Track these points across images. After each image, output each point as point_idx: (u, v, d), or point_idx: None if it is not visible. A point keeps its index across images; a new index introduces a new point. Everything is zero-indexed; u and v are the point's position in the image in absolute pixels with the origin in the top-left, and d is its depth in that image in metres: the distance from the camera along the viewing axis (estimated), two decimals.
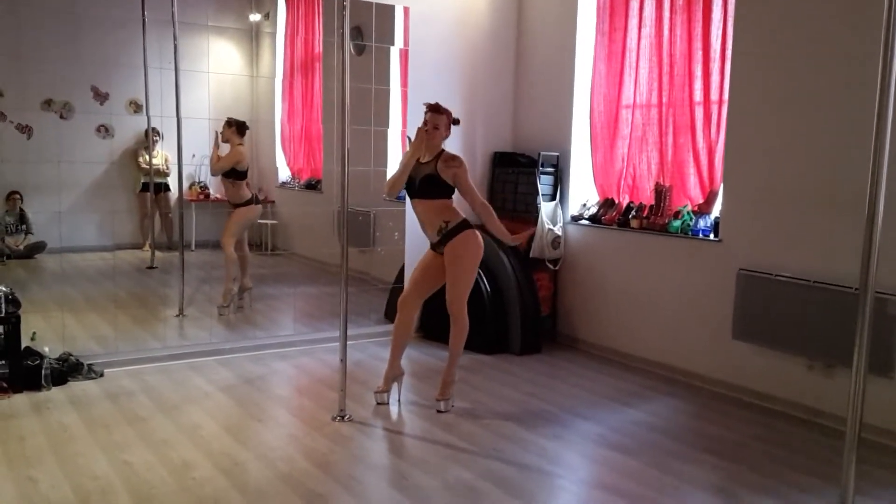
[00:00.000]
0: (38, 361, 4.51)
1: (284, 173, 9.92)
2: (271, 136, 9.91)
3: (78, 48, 8.12)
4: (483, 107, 6.23)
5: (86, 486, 3.24)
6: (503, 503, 3.22)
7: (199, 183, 9.33)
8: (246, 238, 6.92)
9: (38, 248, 8.50)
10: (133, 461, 3.51)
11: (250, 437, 3.89)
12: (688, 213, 5.18)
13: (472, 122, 6.17)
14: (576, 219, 5.95)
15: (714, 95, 5.00)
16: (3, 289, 4.56)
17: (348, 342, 4.27)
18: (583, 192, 6.02)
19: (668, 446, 3.93)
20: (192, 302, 6.62)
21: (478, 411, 4.38)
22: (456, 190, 4.28)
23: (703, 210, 5.15)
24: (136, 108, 9.03)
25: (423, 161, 4.25)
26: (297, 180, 9.56)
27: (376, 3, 6.04)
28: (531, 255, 5.86)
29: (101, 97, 8.99)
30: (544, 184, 5.90)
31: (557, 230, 5.87)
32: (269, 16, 9.86)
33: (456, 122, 4.34)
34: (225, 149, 6.74)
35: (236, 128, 6.49)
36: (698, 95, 5.11)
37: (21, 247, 8.51)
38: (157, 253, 8.34)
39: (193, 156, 8.00)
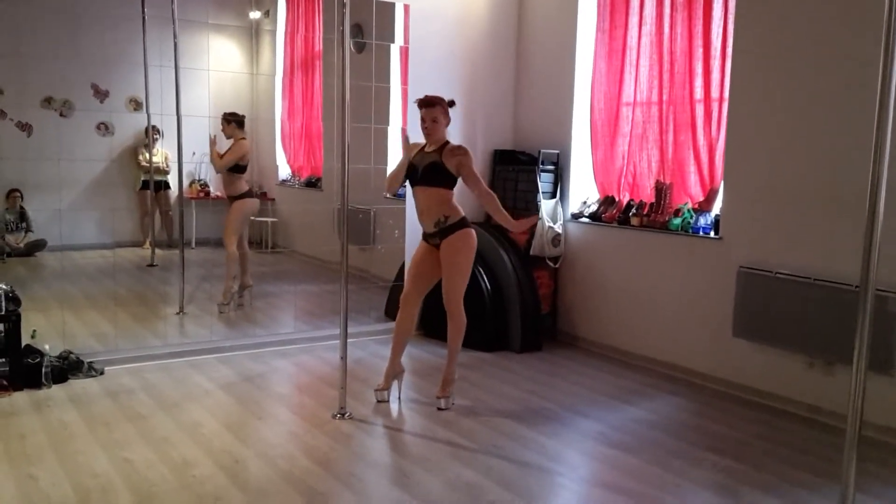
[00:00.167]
0: (38, 359, 4.51)
1: (285, 171, 9.92)
2: (271, 134, 9.91)
3: (78, 46, 8.12)
4: (483, 104, 6.23)
5: (86, 483, 3.25)
6: (503, 500, 3.22)
7: (200, 181, 9.33)
8: (246, 235, 6.91)
9: (39, 245, 8.51)
10: (133, 459, 3.51)
11: (251, 435, 3.89)
12: (688, 210, 5.17)
13: (473, 120, 6.17)
14: (576, 216, 5.95)
15: (715, 93, 5.00)
16: (4, 286, 4.56)
17: (348, 340, 4.28)
18: (583, 190, 6.02)
19: (669, 444, 3.93)
20: (192, 300, 6.63)
21: (478, 409, 4.38)
22: (459, 181, 4.25)
23: (703, 208, 5.14)
24: (136, 105, 9.04)
25: (428, 150, 4.25)
26: (298, 178, 9.56)
27: (376, 1, 6.05)
28: (531, 252, 5.86)
29: (101, 95, 8.99)
30: (544, 181, 5.90)
31: (558, 228, 5.87)
32: (270, 13, 9.86)
33: (451, 104, 4.30)
34: (225, 145, 6.73)
35: (236, 123, 6.48)
36: (699, 93, 5.10)
37: (21, 245, 8.51)
38: (158, 251, 8.34)
39: (194, 153, 8.01)
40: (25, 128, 8.64)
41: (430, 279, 4.39)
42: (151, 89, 7.29)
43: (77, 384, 4.57)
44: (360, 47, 7.21)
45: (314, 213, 8.31)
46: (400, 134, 6.68)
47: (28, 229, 8.62)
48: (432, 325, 5.78)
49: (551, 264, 5.98)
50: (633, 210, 5.54)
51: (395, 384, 4.50)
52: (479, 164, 6.22)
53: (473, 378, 4.93)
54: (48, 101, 8.70)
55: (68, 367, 4.65)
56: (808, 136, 4.37)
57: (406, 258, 5.99)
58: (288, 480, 3.35)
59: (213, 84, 6.67)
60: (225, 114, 6.48)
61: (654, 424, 4.23)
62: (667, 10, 5.25)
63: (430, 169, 4.19)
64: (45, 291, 6.74)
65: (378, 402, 4.41)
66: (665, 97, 5.34)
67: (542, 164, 5.90)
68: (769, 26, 4.54)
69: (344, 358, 4.20)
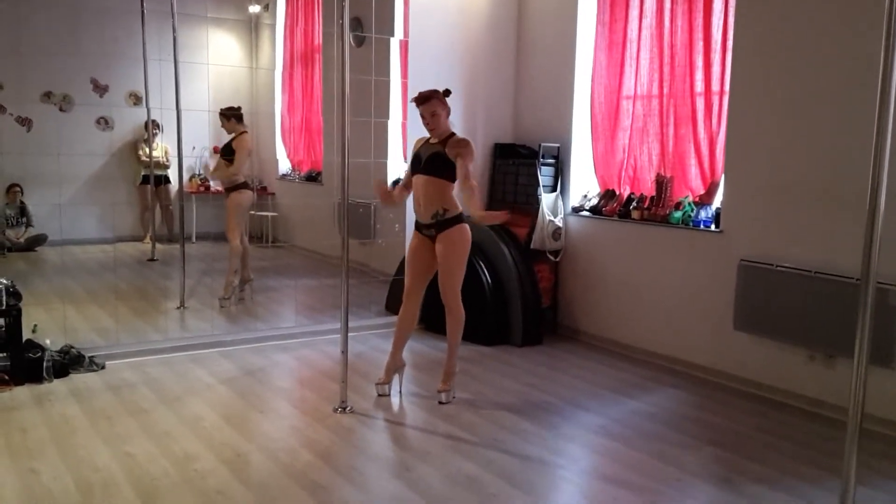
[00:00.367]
0: (39, 354, 4.52)
1: (285, 165, 9.92)
2: (271, 128, 9.91)
3: (77, 40, 8.12)
4: (483, 98, 6.22)
5: (88, 477, 3.25)
6: (505, 494, 3.23)
7: (200, 175, 9.33)
8: (246, 229, 6.91)
9: (39, 240, 8.52)
10: (135, 453, 3.52)
11: (252, 429, 3.90)
12: (689, 204, 5.17)
13: (473, 114, 6.16)
14: (577, 210, 5.95)
15: (715, 86, 4.99)
16: (4, 281, 4.56)
17: (349, 334, 4.28)
18: (584, 184, 6.02)
19: (670, 437, 3.93)
20: (193, 294, 6.63)
21: (479, 402, 4.39)
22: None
23: (704, 201, 5.14)
24: (136, 100, 9.04)
25: (433, 141, 4.24)
26: (298, 172, 9.57)
27: None
28: (532, 246, 5.86)
29: (100, 89, 9.00)
30: (545, 175, 5.89)
31: (558, 221, 5.87)
32: (269, 7, 9.85)
33: (447, 93, 4.26)
34: (224, 140, 6.73)
35: (235, 118, 6.46)
36: (699, 86, 5.09)
37: (22, 239, 8.52)
38: (158, 245, 8.36)
39: (193, 148, 8.02)
40: (25, 122, 8.65)
41: (428, 272, 4.39)
42: (151, 84, 7.29)
43: (78, 378, 4.58)
44: (359, 41, 7.20)
45: (314, 208, 8.32)
46: (401, 130, 6.68)
47: (28, 224, 8.64)
48: (433, 319, 5.78)
49: (552, 258, 5.98)
50: (634, 203, 5.54)
51: (396, 378, 4.50)
52: (479, 157, 6.21)
53: (474, 372, 4.93)
54: (48, 96, 8.71)
55: (69, 362, 4.66)
56: (809, 129, 4.36)
57: (406, 253, 5.99)
58: (289, 474, 3.35)
59: (212, 78, 6.66)
60: (222, 110, 6.46)
61: (654, 418, 4.23)
62: (667, 3, 5.24)
63: (433, 159, 4.17)
64: (46, 286, 6.75)
65: (379, 395, 4.41)
66: (666, 90, 5.33)
67: (543, 157, 5.89)
68: (770, 19, 4.53)
69: (345, 352, 4.20)
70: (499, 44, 6.27)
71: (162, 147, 9.24)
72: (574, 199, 6.00)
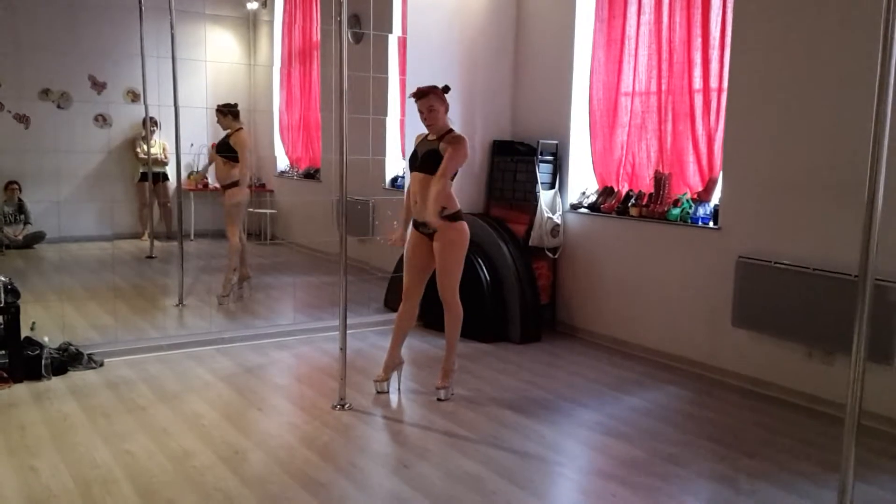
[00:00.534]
0: (38, 351, 4.52)
1: (283, 162, 9.91)
2: (270, 125, 9.91)
3: (75, 38, 8.11)
4: (482, 95, 6.21)
5: (86, 474, 3.25)
6: (503, 490, 3.23)
7: (196, 171, 9.32)
8: (244, 227, 6.91)
9: (37, 237, 8.52)
10: (133, 450, 3.52)
11: (250, 426, 3.90)
12: (687, 200, 5.17)
13: (471, 111, 6.16)
14: (575, 207, 5.95)
15: (713, 83, 4.99)
16: (3, 278, 4.56)
17: (348, 331, 4.28)
18: (582, 181, 6.02)
19: (668, 434, 3.94)
20: (191, 291, 6.63)
21: (478, 399, 4.39)
22: (458, 173, 4.22)
23: (702, 198, 5.14)
24: (134, 97, 9.04)
25: (430, 138, 4.23)
26: (296, 169, 9.56)
27: None
28: (530, 243, 5.86)
29: (98, 86, 8.99)
30: (543, 172, 5.89)
31: (557, 219, 5.87)
32: (267, 4, 9.83)
33: (446, 89, 4.25)
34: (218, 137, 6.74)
35: (231, 115, 6.47)
36: (698, 83, 5.09)
37: (20, 237, 8.52)
38: (156, 242, 8.36)
39: (192, 145, 8.01)
40: (23, 120, 8.64)
41: (427, 269, 4.38)
42: (149, 81, 7.29)
43: (77, 376, 4.58)
44: (357, 38, 7.20)
45: (313, 205, 8.32)
46: (399, 127, 6.68)
47: (27, 221, 8.63)
48: (431, 317, 5.77)
49: (550, 255, 5.98)
50: (632, 200, 5.54)
51: (394, 375, 4.50)
52: (477, 155, 6.22)
53: (473, 369, 4.94)
54: (46, 93, 8.70)
55: (68, 359, 4.65)
56: (807, 126, 4.36)
57: (405, 250, 5.99)
58: (288, 471, 3.36)
59: (210, 75, 6.67)
60: (219, 106, 6.45)
61: (653, 414, 4.24)
62: (665, 0, 5.23)
63: (429, 156, 4.16)
64: (44, 283, 6.75)
65: (377, 392, 4.41)
66: (664, 87, 5.33)
67: (541, 154, 5.89)
68: (768, 16, 4.53)
69: (343, 349, 4.20)
70: (497, 40, 6.26)
71: (160, 144, 9.24)
72: (572, 196, 6.00)
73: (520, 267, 5.68)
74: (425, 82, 4.36)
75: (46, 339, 4.67)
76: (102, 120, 9.08)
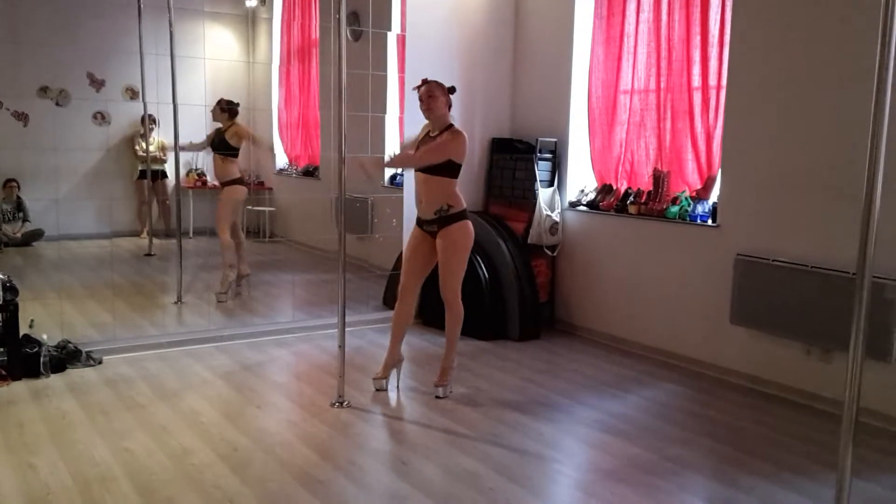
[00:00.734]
0: (36, 349, 4.51)
1: (282, 160, 9.90)
2: (268, 123, 9.89)
3: (73, 35, 8.09)
4: (481, 93, 6.21)
5: (85, 472, 3.25)
6: (502, 488, 3.23)
7: (197, 170, 9.31)
8: (240, 224, 6.91)
9: (36, 235, 8.51)
10: (132, 447, 3.52)
11: (249, 424, 3.90)
12: (686, 198, 5.17)
13: (470, 109, 6.15)
14: (574, 205, 5.95)
15: (712, 80, 4.99)
16: (1, 276, 4.55)
17: (347, 329, 4.28)
18: (581, 178, 6.02)
19: (666, 431, 3.94)
20: (190, 289, 6.63)
21: (476, 397, 4.39)
22: (461, 171, 4.22)
23: (701, 196, 5.14)
24: (133, 94, 9.02)
25: (432, 135, 4.23)
26: (295, 167, 9.55)
27: None
28: (529, 241, 5.86)
29: (97, 84, 8.97)
30: (542, 170, 5.89)
31: (555, 216, 5.87)
32: (266, 1, 9.81)
33: (452, 90, 4.26)
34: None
35: (230, 113, 6.52)
36: (697, 80, 5.09)
37: (18, 234, 8.51)
38: (155, 240, 8.35)
39: (190, 143, 7.98)
40: (22, 117, 8.62)
41: (426, 268, 4.38)
42: (147, 78, 7.27)
43: (75, 373, 4.58)
44: (356, 35, 7.19)
45: (312, 202, 8.31)
46: (398, 125, 6.67)
47: (25, 219, 8.62)
48: (431, 314, 5.78)
49: (549, 253, 5.98)
50: (631, 198, 5.54)
51: (393, 373, 4.50)
52: (476, 152, 6.22)
53: (472, 366, 4.94)
54: (44, 91, 8.68)
55: (66, 357, 4.65)
56: (806, 124, 4.36)
57: (404, 247, 5.99)
58: (286, 469, 3.36)
59: (209, 73, 6.65)
60: (222, 101, 6.51)
61: (651, 412, 4.24)
62: None
63: None
64: (43, 281, 6.74)
65: (376, 390, 4.41)
66: (663, 85, 5.33)
67: (540, 152, 5.89)
68: (767, 14, 4.53)
69: (342, 347, 4.20)
70: (496, 38, 6.26)
71: (158, 142, 9.23)
72: (571, 194, 6.00)
73: (518, 265, 5.68)
74: (421, 81, 4.36)
75: (45, 336, 4.66)
76: (101, 117, 9.07)
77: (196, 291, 6.68)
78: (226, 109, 6.51)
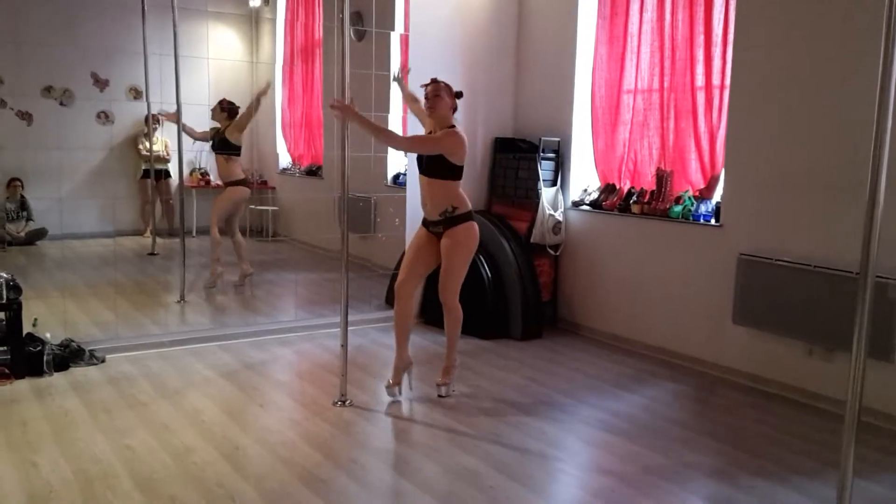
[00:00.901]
0: (39, 347, 4.52)
1: (285, 159, 9.91)
2: (272, 123, 9.90)
3: (77, 35, 8.11)
4: (484, 92, 6.21)
5: (88, 470, 3.26)
6: (504, 487, 3.23)
7: (200, 169, 9.33)
8: (237, 222, 6.93)
9: (39, 234, 8.53)
10: (134, 446, 3.53)
11: (251, 422, 3.90)
12: (689, 198, 5.17)
13: (473, 108, 6.15)
14: (577, 204, 5.95)
15: (716, 80, 4.98)
16: (5, 275, 4.56)
17: (349, 328, 4.28)
18: (584, 178, 6.01)
19: (668, 430, 3.94)
20: (192, 288, 6.64)
21: (479, 396, 4.39)
22: (462, 171, 4.19)
23: (704, 195, 5.14)
24: (136, 94, 9.03)
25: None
26: (298, 166, 9.56)
27: None
28: (532, 240, 5.86)
29: (100, 84, 8.98)
30: (545, 169, 5.89)
31: (558, 216, 5.87)
32: (269, 1, 9.83)
33: (459, 94, 4.25)
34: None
35: (228, 113, 6.59)
36: (700, 80, 5.08)
37: (22, 233, 8.53)
38: (158, 239, 8.36)
39: (194, 142, 7.99)
40: (26, 117, 8.64)
41: (427, 267, 4.34)
42: (151, 78, 7.28)
43: (78, 372, 4.58)
44: (360, 35, 7.19)
45: (315, 202, 8.32)
46: (402, 125, 6.68)
47: (29, 218, 8.64)
48: (432, 314, 5.78)
49: (552, 252, 5.98)
50: (634, 198, 5.53)
51: (405, 378, 4.37)
52: (479, 152, 6.22)
53: (474, 365, 4.94)
54: (48, 90, 8.70)
55: (69, 356, 4.66)
56: (809, 123, 4.36)
57: (406, 247, 5.99)
58: (288, 467, 3.36)
59: (212, 73, 6.67)
60: (224, 101, 6.56)
61: (653, 411, 4.24)
62: None
63: (432, 159, 4.12)
64: (46, 280, 6.75)
65: (391, 400, 4.25)
66: (666, 84, 5.32)
67: (543, 151, 5.89)
68: (771, 13, 4.52)
69: (344, 346, 4.21)
70: (499, 38, 6.26)
71: (162, 141, 9.24)
72: (574, 194, 5.99)
73: (521, 264, 5.68)
74: (427, 80, 4.36)
75: (48, 335, 4.68)
76: (105, 117, 9.08)
77: (199, 290, 6.69)
78: (226, 109, 6.56)
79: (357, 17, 7.05)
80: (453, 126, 4.18)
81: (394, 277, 6.13)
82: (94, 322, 5.52)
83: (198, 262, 7.32)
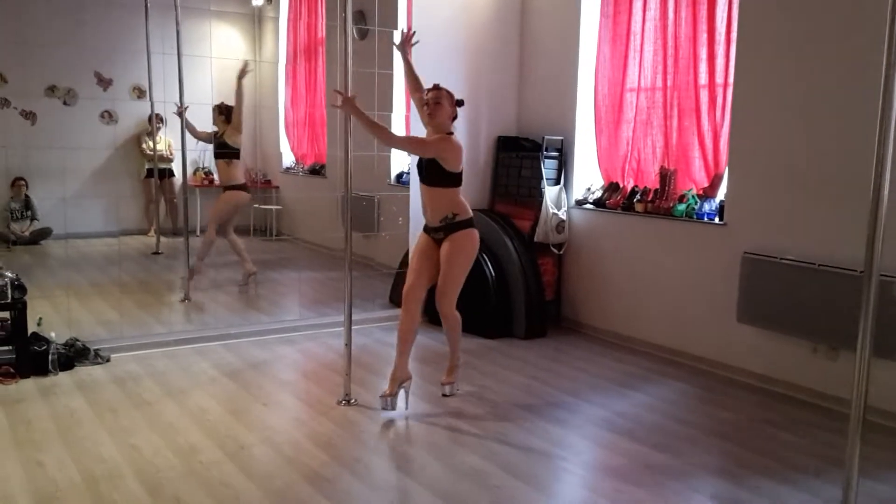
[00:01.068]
0: (44, 347, 4.54)
1: (288, 158, 9.92)
2: (275, 122, 9.91)
3: (81, 34, 8.11)
4: (487, 91, 6.21)
5: (93, 469, 3.27)
6: (508, 486, 3.24)
7: (204, 168, 9.34)
8: (233, 223, 6.93)
9: (44, 234, 8.54)
10: (140, 445, 3.53)
11: (256, 422, 3.91)
12: (693, 196, 5.16)
13: (476, 107, 6.15)
14: (580, 203, 5.94)
15: (719, 78, 4.98)
16: (10, 274, 4.57)
17: (353, 327, 4.29)
18: (587, 176, 6.01)
19: (673, 429, 3.94)
20: (197, 287, 6.64)
21: (483, 395, 4.40)
22: (462, 178, 4.17)
23: (707, 194, 5.13)
24: (140, 93, 9.03)
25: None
26: (301, 165, 9.56)
27: None
28: (535, 239, 5.86)
29: (104, 83, 8.99)
30: (548, 168, 5.89)
31: (562, 214, 5.86)
32: (272, 0, 9.83)
33: (460, 103, 4.24)
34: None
35: (225, 116, 6.61)
36: (703, 78, 5.08)
37: (27, 233, 8.54)
38: (162, 238, 8.37)
39: (197, 142, 8.00)
40: (30, 116, 8.65)
41: (434, 272, 4.24)
42: (154, 77, 7.29)
43: (83, 371, 4.60)
44: (362, 34, 7.19)
45: (318, 201, 8.32)
46: (404, 123, 6.67)
47: (33, 218, 8.65)
48: (435, 313, 5.74)
49: (555, 251, 5.98)
50: (638, 196, 5.53)
51: (402, 394, 4.19)
52: (482, 151, 6.22)
53: (478, 365, 4.94)
54: (52, 90, 8.71)
55: (74, 355, 4.68)
56: (813, 122, 4.35)
57: (410, 245, 5.98)
58: (293, 466, 3.37)
59: (215, 72, 6.67)
60: (222, 104, 6.60)
61: (658, 410, 4.23)
62: None
63: (431, 168, 4.08)
64: (51, 279, 6.77)
65: (383, 410, 4.07)
66: (669, 83, 5.31)
67: (546, 150, 5.89)
68: (774, 11, 4.51)
69: (348, 345, 4.21)
70: (503, 37, 6.25)
71: (165, 140, 9.25)
72: (578, 192, 5.99)
73: (525, 263, 5.68)
74: (430, 79, 4.36)
75: (53, 334, 4.69)
76: (108, 116, 9.09)
77: (203, 290, 6.70)
78: (223, 112, 6.58)
79: (360, 16, 7.05)
80: (451, 133, 4.16)
81: (398, 276, 6.16)
82: (99, 321, 5.54)
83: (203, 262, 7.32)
